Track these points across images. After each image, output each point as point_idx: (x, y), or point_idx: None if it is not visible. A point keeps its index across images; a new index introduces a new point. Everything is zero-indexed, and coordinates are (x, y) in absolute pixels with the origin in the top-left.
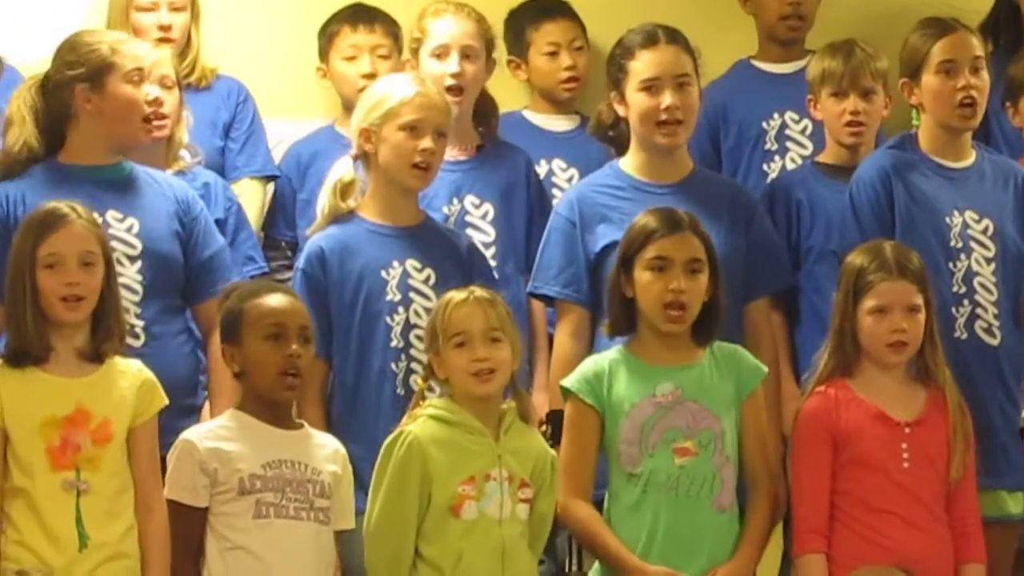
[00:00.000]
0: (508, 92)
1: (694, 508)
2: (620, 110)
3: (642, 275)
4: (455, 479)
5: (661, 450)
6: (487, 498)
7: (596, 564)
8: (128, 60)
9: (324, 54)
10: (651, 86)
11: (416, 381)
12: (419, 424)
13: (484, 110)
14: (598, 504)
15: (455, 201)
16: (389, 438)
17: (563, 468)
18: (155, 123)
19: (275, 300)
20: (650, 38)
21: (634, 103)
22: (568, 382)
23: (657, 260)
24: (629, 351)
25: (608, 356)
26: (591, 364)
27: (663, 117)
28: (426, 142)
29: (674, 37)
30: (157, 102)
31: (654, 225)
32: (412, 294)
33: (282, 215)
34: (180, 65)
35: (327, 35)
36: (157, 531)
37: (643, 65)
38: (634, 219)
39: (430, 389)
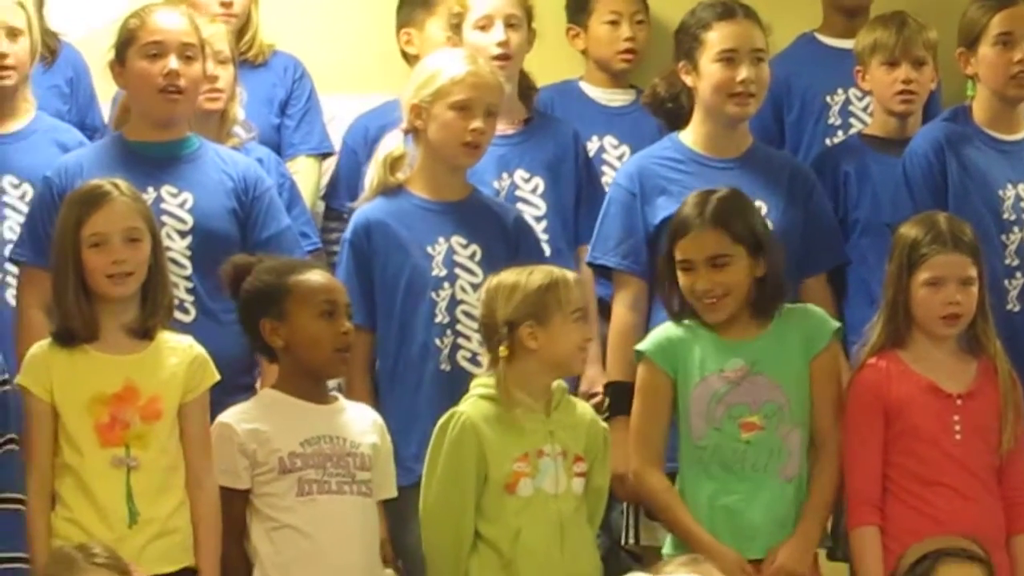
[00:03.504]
0: (560, 64)
1: (760, 481)
2: (688, 80)
3: (679, 273)
4: (509, 457)
5: (728, 424)
6: (542, 474)
7: (669, 537)
8: (146, 33)
9: (416, 21)
10: (729, 57)
11: (462, 357)
12: (470, 404)
13: (522, 86)
14: (671, 477)
15: (504, 176)
16: (442, 419)
17: (635, 435)
18: (208, 96)
19: (321, 276)
20: (728, 11)
21: (709, 73)
22: (644, 345)
23: (683, 262)
24: (700, 323)
25: (683, 324)
26: (666, 331)
27: (738, 89)
28: (476, 122)
29: (749, 12)
30: (173, 74)
31: (682, 217)
32: (458, 270)
33: (345, 186)
34: (239, 42)
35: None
36: (208, 506)
37: (721, 36)
38: (682, 203)
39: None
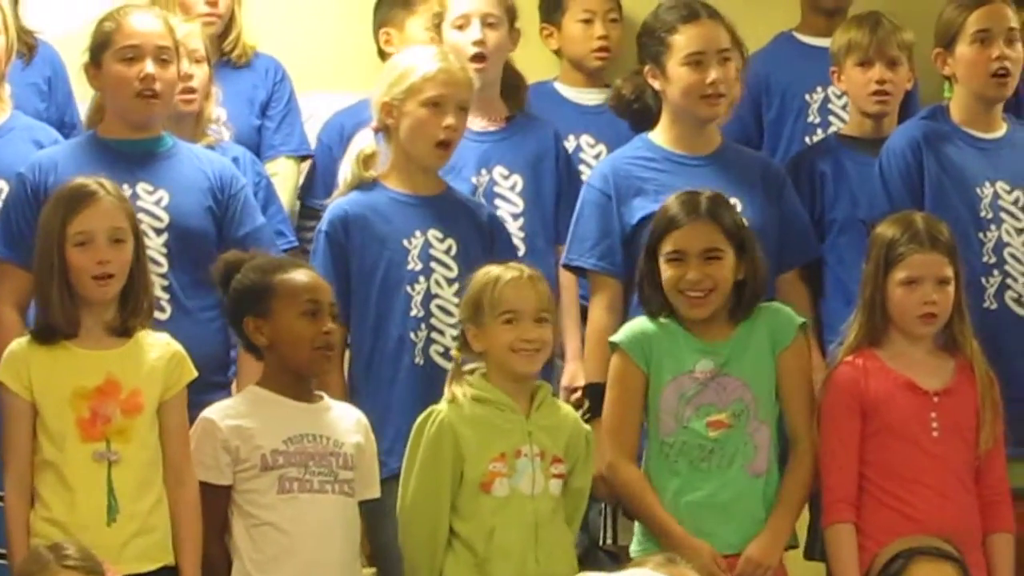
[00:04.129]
0: (539, 63)
1: (727, 478)
2: (656, 84)
3: (663, 266)
4: (486, 456)
5: (695, 423)
6: (518, 474)
7: (637, 529)
8: (122, 37)
9: (395, 21)
10: (697, 60)
11: (434, 351)
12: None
13: (512, 83)
14: None
15: (483, 172)
16: (420, 417)
17: (608, 429)
18: (183, 98)
19: (306, 276)
20: (692, 13)
21: (677, 77)
22: (618, 337)
23: (673, 253)
24: (674, 320)
25: (659, 321)
26: (642, 325)
27: (708, 91)
28: (449, 119)
29: (713, 12)
30: (149, 78)
31: (671, 214)
32: (434, 264)
33: (321, 184)
34: (223, 42)
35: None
36: (188, 503)
37: (687, 39)
38: (664, 203)
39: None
